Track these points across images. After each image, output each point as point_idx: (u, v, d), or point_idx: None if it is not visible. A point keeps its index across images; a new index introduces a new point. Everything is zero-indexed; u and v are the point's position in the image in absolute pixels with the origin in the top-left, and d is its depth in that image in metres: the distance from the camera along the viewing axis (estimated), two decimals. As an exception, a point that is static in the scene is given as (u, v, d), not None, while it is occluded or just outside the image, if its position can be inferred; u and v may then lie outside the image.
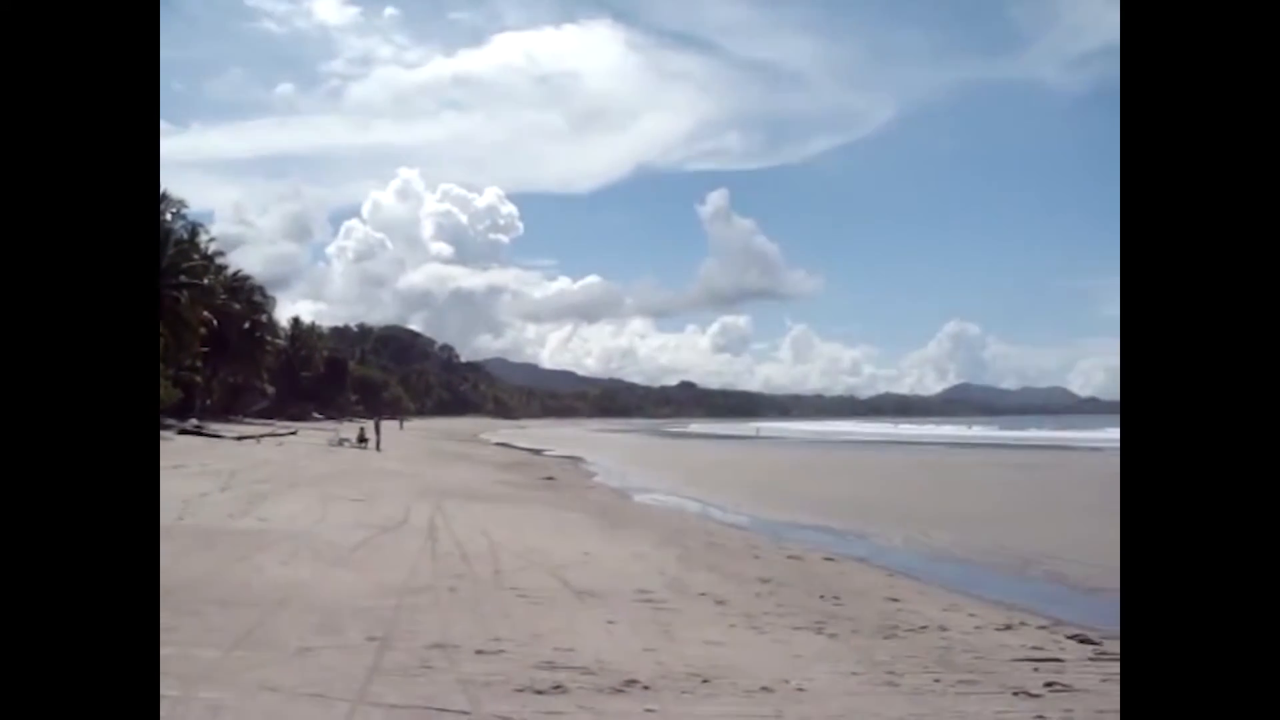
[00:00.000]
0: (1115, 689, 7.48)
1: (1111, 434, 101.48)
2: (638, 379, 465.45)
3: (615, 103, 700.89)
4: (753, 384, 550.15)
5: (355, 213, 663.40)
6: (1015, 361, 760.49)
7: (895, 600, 11.65)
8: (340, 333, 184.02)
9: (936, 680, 7.60)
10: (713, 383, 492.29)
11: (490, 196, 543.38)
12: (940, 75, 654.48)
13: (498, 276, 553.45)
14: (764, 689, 7.11)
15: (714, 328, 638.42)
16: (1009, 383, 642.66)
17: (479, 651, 7.74)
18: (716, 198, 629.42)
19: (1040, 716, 6.73)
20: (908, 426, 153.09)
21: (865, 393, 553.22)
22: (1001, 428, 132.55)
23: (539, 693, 6.68)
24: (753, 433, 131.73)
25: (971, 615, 10.78)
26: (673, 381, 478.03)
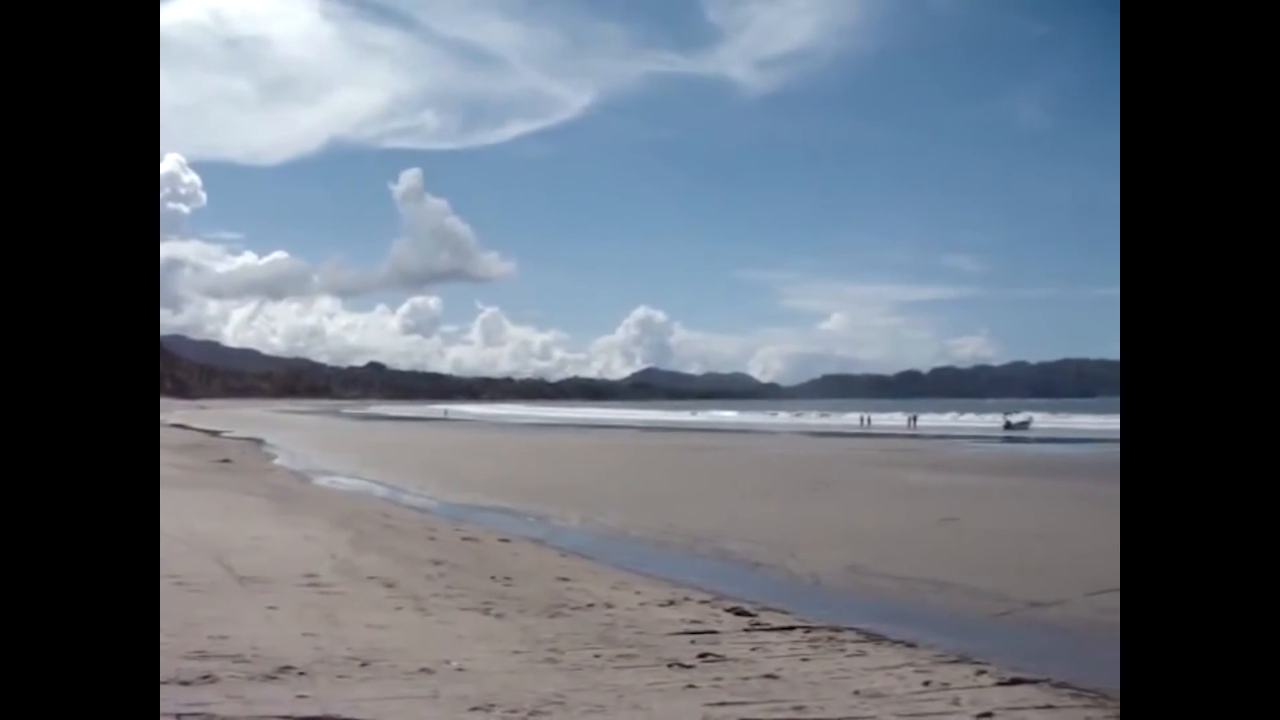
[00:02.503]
0: (764, 657, 7.92)
1: (785, 419, 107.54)
2: (325, 359, 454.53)
3: (308, 73, 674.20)
4: (443, 366, 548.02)
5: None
6: (700, 348, 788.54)
7: (565, 580, 11.83)
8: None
9: (596, 655, 7.76)
10: (402, 364, 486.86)
11: (171, 163, 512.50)
12: (637, 67, 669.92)
13: (177, 249, 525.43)
14: (424, 670, 7.04)
15: (404, 308, 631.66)
16: (694, 368, 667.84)
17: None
18: (410, 177, 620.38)
19: (691, 685, 6.99)
20: (594, 410, 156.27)
21: (555, 376, 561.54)
22: (691, 412, 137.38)
23: (185, 684, 6.31)
24: (441, 415, 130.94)
25: (638, 593, 11.08)
26: (361, 362, 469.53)
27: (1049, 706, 6.85)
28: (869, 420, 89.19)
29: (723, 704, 6.57)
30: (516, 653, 7.79)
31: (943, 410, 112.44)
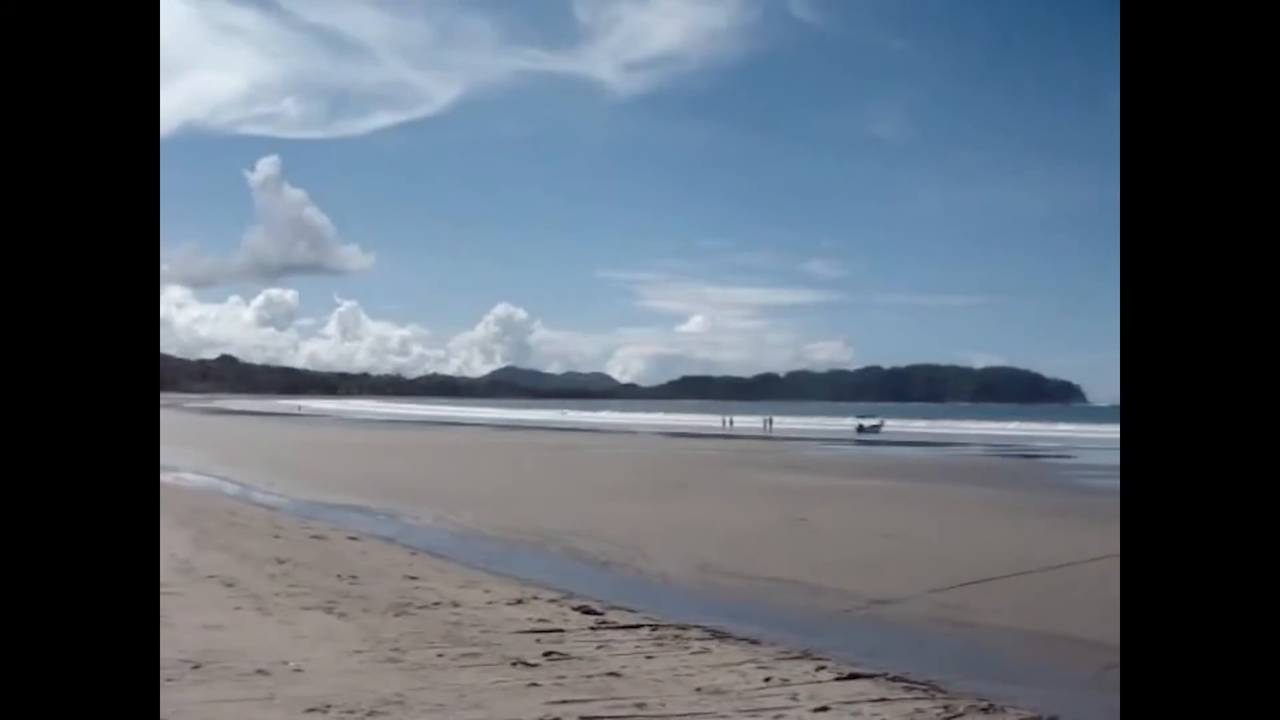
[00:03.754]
0: (609, 655, 7.94)
1: (645, 417, 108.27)
2: (174, 351, 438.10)
3: (162, 53, 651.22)
4: (298, 360, 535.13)
5: None
6: (560, 347, 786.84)
7: (413, 578, 11.68)
8: None
9: (440, 655, 7.69)
10: (255, 357, 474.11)
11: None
12: (504, 63, 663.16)
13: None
14: (259, 671, 6.88)
15: (259, 300, 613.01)
16: (554, 367, 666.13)
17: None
18: (268, 165, 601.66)
19: (534, 684, 6.97)
20: (453, 408, 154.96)
21: (413, 373, 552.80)
22: (550, 411, 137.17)
23: None
24: (295, 410, 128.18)
25: (486, 591, 11.00)
26: (212, 355, 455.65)
27: (883, 699, 7.02)
28: (731, 422, 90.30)
29: (564, 702, 6.57)
30: (358, 652, 7.66)
31: (798, 413, 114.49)
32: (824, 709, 6.71)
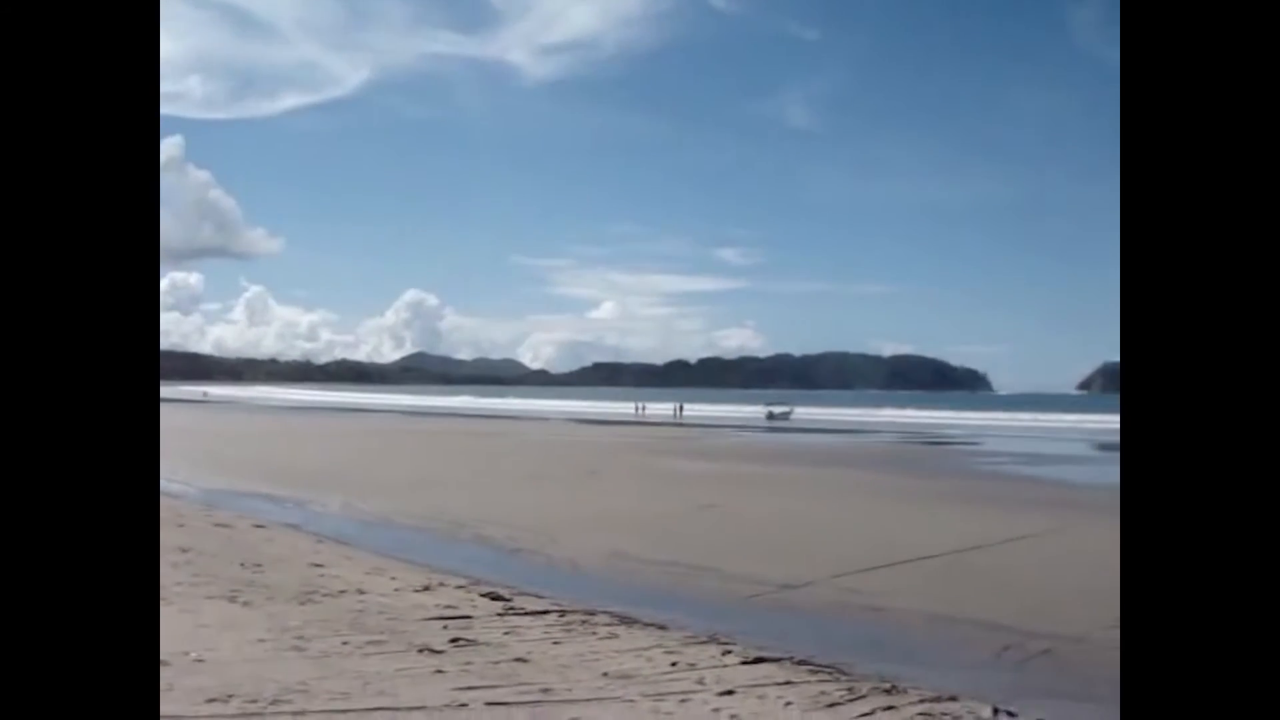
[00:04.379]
0: (516, 641, 7.93)
1: (558, 404, 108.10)
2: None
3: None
4: (203, 346, 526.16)
5: None
6: (470, 333, 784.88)
7: (319, 566, 11.52)
8: None
9: (345, 642, 7.61)
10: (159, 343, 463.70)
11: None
12: (416, 45, 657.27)
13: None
14: (160, 662, 6.72)
15: (163, 284, 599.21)
16: (464, 353, 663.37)
17: None
18: (171, 145, 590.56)
19: (439, 670, 6.94)
20: (362, 394, 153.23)
21: (322, 358, 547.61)
22: (461, 397, 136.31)
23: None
24: (200, 397, 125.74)
25: (393, 578, 10.89)
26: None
27: (788, 682, 7.12)
28: (644, 409, 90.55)
29: (471, 688, 6.54)
30: (262, 641, 7.54)
31: (709, 400, 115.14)
32: (729, 692, 6.78)
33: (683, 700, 6.58)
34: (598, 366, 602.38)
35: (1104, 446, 47.69)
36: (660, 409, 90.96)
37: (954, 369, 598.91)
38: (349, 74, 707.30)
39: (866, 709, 6.58)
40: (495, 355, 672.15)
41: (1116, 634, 8.70)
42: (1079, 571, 12.39)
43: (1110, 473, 31.94)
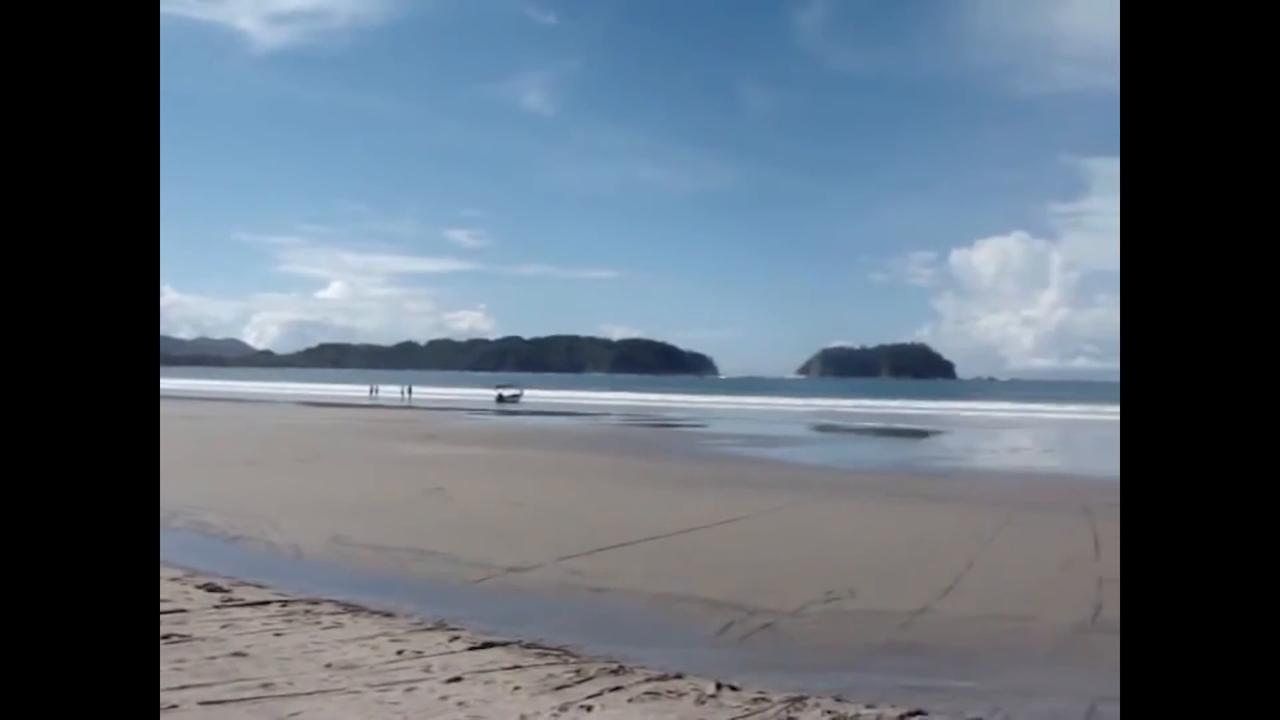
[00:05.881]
0: (234, 634, 7.61)
1: (286, 386, 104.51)
2: None
3: None
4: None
5: None
6: (191, 311, 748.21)
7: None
8: None
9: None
10: None
11: None
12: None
13: None
14: None
15: None
16: (184, 333, 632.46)
17: None
18: None
19: (149, 670, 6.55)
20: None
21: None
22: (183, 379, 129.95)
23: None
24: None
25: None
26: None
27: (516, 667, 7.13)
28: (377, 391, 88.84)
29: (184, 687, 6.23)
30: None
31: (439, 383, 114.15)
32: (457, 679, 6.73)
33: (409, 689, 6.48)
34: (324, 347, 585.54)
35: (821, 429, 50.31)
36: (394, 391, 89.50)
37: (681, 353, 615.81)
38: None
39: (594, 690, 6.67)
40: (218, 335, 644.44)
41: (831, 606, 9.19)
42: (799, 548, 13.01)
43: (825, 452, 33.74)
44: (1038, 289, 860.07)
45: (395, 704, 6.18)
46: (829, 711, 6.38)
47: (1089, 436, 45.83)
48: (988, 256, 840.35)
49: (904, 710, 6.48)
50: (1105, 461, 30.58)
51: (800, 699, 6.63)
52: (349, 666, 6.93)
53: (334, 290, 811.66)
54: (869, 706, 6.53)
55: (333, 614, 8.65)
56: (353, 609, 8.92)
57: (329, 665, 6.93)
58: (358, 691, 6.37)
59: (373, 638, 7.82)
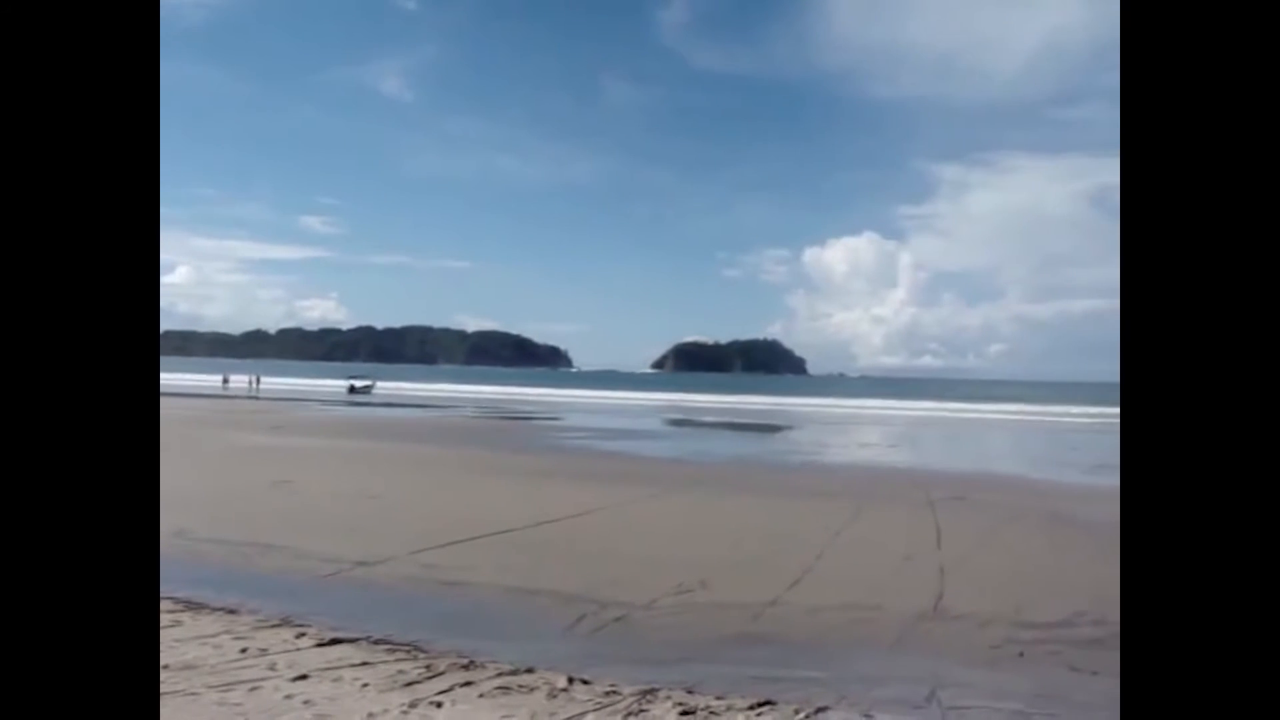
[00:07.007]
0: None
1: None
2: None
3: None
4: None
5: None
6: None
7: None
8: None
9: None
10: None
11: None
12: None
13: None
14: None
15: None
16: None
17: None
18: None
19: None
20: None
21: None
22: None
23: None
24: None
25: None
26: None
27: (365, 663, 6.99)
28: (228, 381, 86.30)
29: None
30: None
31: (289, 373, 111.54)
32: (303, 677, 6.56)
33: (253, 689, 6.29)
34: (168, 335, 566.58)
35: (674, 422, 50.77)
36: (239, 381, 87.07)
37: (536, 345, 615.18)
38: None
39: (444, 686, 6.58)
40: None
41: (683, 598, 9.25)
42: (651, 541, 13.08)
43: (678, 446, 34.04)
44: (887, 288, 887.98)
45: (238, 705, 5.98)
46: (680, 704, 6.41)
47: (934, 433, 47.36)
48: (840, 255, 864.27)
49: (753, 700, 6.55)
50: (948, 456, 31.63)
51: (651, 691, 6.65)
52: (189, 667, 6.68)
53: (179, 275, 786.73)
54: (719, 698, 6.59)
55: (171, 612, 8.33)
56: (193, 606, 8.62)
57: (167, 666, 6.66)
58: (197, 693, 6.15)
59: (214, 636, 7.57)
